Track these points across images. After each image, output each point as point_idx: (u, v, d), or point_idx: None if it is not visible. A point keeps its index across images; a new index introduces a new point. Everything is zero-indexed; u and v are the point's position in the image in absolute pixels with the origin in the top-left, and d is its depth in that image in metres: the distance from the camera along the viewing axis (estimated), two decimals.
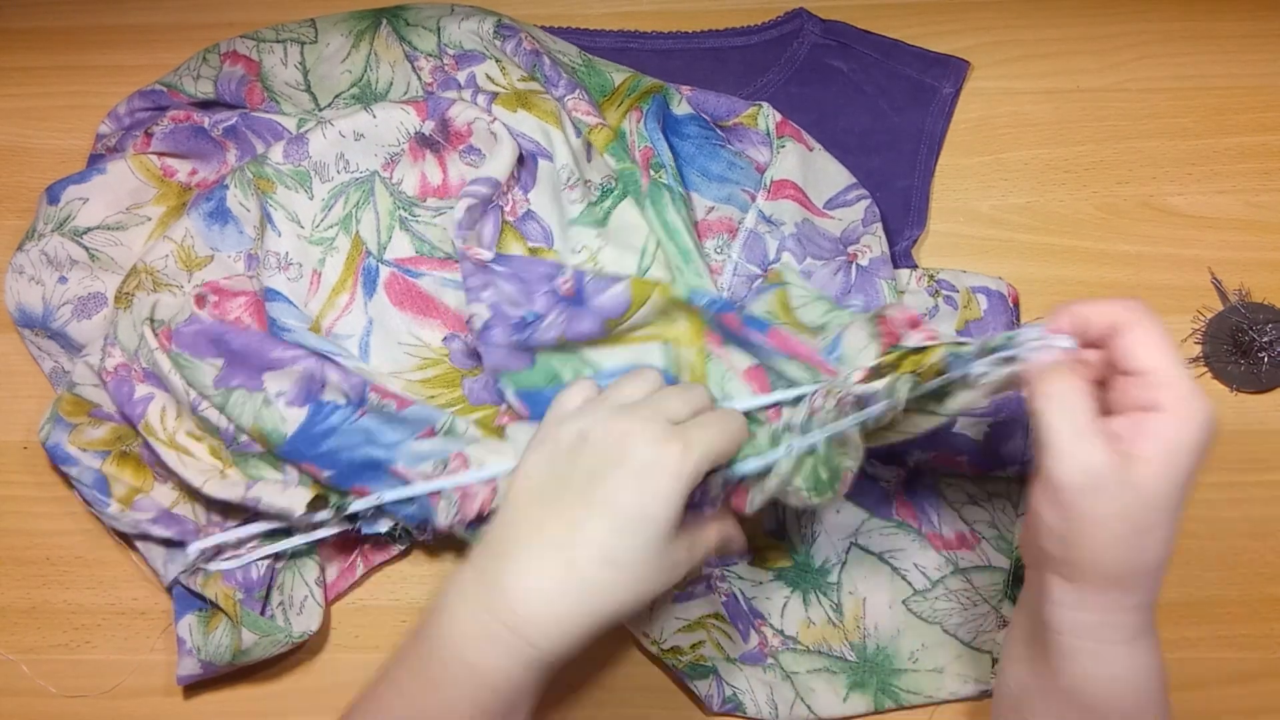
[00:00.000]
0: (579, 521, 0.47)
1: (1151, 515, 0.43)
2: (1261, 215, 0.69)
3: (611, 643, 0.64)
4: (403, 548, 0.64)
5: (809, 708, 0.61)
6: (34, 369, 0.68)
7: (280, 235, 0.64)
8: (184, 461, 0.61)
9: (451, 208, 0.64)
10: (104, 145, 0.71)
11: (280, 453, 0.60)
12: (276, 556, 0.62)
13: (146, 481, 0.62)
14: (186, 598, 0.62)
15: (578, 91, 0.67)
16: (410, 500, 0.59)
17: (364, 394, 0.60)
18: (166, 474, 0.62)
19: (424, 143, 0.66)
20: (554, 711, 0.62)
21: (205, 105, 0.70)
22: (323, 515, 0.60)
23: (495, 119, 0.64)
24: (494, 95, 0.65)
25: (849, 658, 0.62)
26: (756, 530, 0.63)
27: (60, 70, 0.75)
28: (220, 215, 0.66)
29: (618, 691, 0.63)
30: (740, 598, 0.62)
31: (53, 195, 0.67)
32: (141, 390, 0.62)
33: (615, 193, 0.64)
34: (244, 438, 0.61)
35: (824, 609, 0.63)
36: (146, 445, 0.61)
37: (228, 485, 0.60)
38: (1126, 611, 0.45)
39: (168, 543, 0.62)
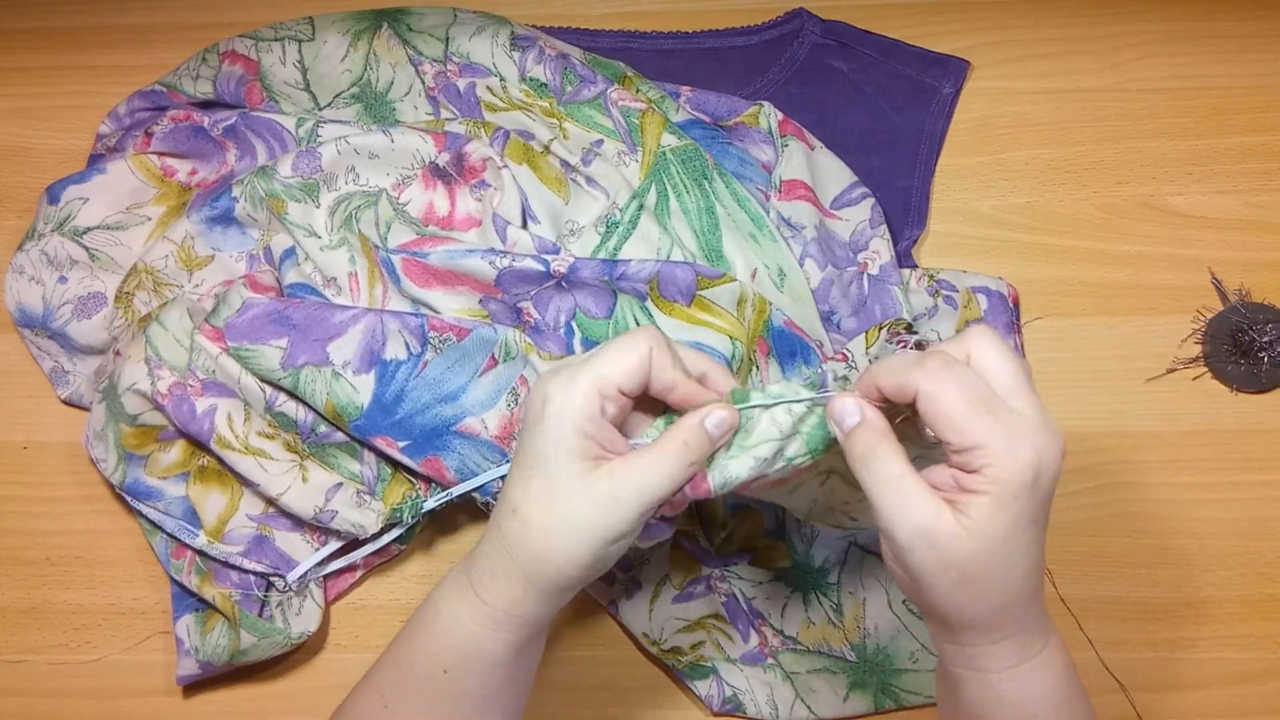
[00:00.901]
0: (506, 483, 0.48)
1: (981, 562, 0.42)
2: (1261, 215, 0.69)
3: (611, 643, 0.64)
4: (402, 548, 0.64)
5: (809, 708, 0.61)
6: (34, 369, 0.68)
7: (308, 257, 0.64)
8: (263, 465, 0.61)
9: (455, 238, 0.65)
10: (104, 145, 0.71)
11: (356, 428, 0.60)
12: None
13: (234, 491, 0.63)
14: (184, 598, 0.62)
15: (615, 84, 0.68)
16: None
17: (424, 334, 0.60)
18: (246, 484, 0.62)
19: (436, 173, 0.66)
20: (555, 711, 0.62)
21: (205, 105, 0.70)
22: (394, 534, 0.62)
23: (505, 164, 0.65)
24: (506, 136, 0.66)
25: (849, 658, 0.62)
26: (756, 530, 0.63)
27: (60, 70, 0.75)
28: (224, 220, 0.66)
29: (618, 691, 0.63)
30: (740, 598, 0.62)
31: (53, 195, 0.67)
32: (202, 404, 0.61)
33: (621, 227, 0.64)
34: (322, 427, 0.61)
35: (824, 609, 0.63)
36: (223, 461, 0.61)
37: (306, 493, 0.61)
38: (995, 644, 0.44)
39: (260, 575, 0.62)
